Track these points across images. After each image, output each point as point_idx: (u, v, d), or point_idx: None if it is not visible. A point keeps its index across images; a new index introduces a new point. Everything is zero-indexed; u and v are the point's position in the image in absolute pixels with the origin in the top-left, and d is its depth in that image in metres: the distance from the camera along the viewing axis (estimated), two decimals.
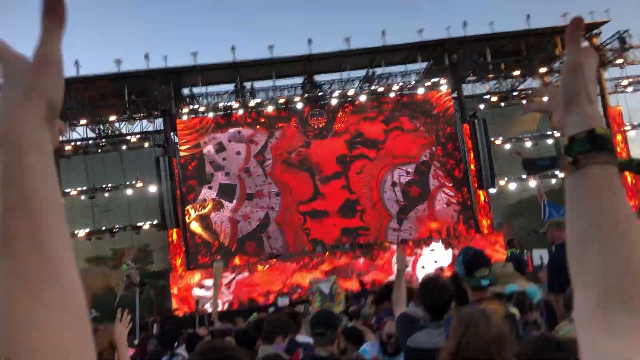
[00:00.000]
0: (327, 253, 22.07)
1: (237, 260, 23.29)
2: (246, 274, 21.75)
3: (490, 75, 24.64)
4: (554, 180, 25.72)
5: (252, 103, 24.08)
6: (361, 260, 21.69)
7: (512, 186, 25.02)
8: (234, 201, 23.87)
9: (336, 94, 24.31)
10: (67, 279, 0.60)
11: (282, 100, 24.10)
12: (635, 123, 26.40)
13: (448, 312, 3.36)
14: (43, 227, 0.62)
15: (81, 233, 24.12)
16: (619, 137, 25.15)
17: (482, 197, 24.24)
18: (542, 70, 24.48)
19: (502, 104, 25.61)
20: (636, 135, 26.61)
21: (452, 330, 2.25)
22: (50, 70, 0.67)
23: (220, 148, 24.20)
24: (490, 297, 3.23)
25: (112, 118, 24.19)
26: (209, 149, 24.12)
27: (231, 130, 24.43)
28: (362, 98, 24.42)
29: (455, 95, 25.37)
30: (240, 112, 24.25)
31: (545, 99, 1.01)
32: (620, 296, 0.70)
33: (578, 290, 0.76)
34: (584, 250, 0.79)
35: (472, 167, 24.28)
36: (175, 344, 5.39)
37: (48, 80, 0.67)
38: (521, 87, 26.16)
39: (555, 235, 5.51)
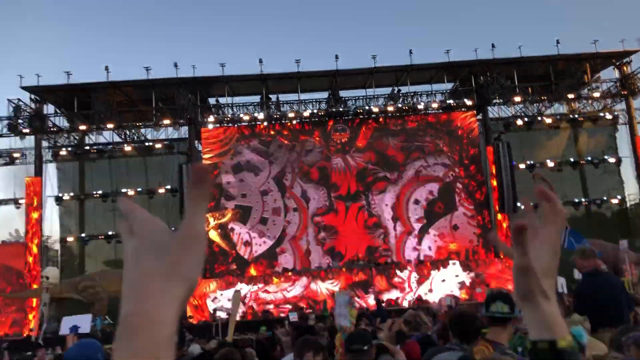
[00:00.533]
0: (344, 269, 21.98)
1: (252, 271, 23.32)
2: (261, 285, 21.75)
3: (517, 99, 24.45)
4: (577, 208, 25.37)
5: (276, 115, 24.25)
6: (378, 278, 21.56)
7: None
8: (248, 224, 23.98)
9: (360, 110, 24.36)
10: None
11: (306, 114, 24.22)
12: None
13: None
14: None
15: (101, 236, 24.40)
16: None
17: (502, 221, 23.95)
18: (570, 95, 24.23)
19: (528, 128, 25.36)
20: None
21: None
22: (194, 248, 0.68)
23: (237, 168, 24.35)
24: (491, 341, 3.20)
25: (139, 124, 24.52)
26: (228, 179, 24.27)
27: (253, 142, 24.61)
28: (386, 116, 24.43)
29: (480, 117, 25.24)
30: (265, 123, 24.46)
31: (504, 246, 0.98)
32: None
33: None
34: None
35: (495, 190, 24.05)
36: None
37: (191, 261, 0.67)
38: (548, 112, 25.90)
39: (580, 264, 5.43)
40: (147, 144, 25.17)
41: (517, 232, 0.89)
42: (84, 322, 9.63)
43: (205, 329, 15.72)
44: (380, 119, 24.90)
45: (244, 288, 21.21)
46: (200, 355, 6.18)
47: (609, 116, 25.92)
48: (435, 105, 24.50)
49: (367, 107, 24.44)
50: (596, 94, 25.23)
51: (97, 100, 22.78)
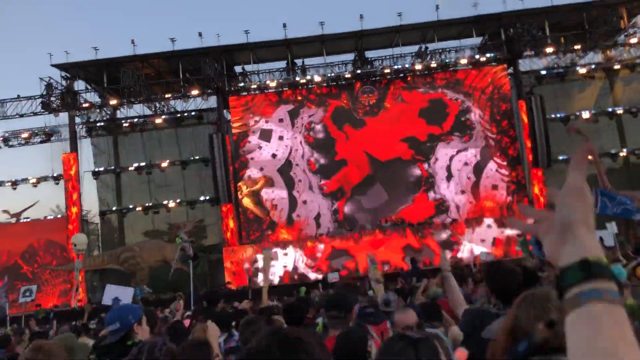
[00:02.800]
0: (377, 230, 22.08)
1: (286, 235, 23.65)
2: (296, 247, 22.09)
3: (549, 50, 23.69)
4: (614, 160, 24.77)
5: (303, 80, 24.12)
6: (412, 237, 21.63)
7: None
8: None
9: (388, 70, 24.00)
10: None
11: (332, 77, 24.01)
12: None
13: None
14: None
15: (138, 207, 24.98)
16: None
17: (537, 177, 23.58)
18: (606, 44, 23.36)
19: (562, 80, 24.66)
20: None
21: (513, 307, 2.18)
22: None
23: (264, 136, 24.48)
24: None
25: (168, 96, 24.73)
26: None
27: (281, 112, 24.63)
28: (414, 75, 24.04)
29: (511, 71, 24.62)
30: (291, 89, 24.41)
31: (530, 220, 0.93)
32: None
33: None
34: None
35: (528, 144, 23.61)
36: (233, 323, 5.52)
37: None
38: (582, 61, 25.07)
39: None
40: (177, 115, 25.42)
41: (585, 152, 0.98)
42: (126, 295, 9.88)
43: (244, 295, 16.07)
44: (409, 78, 24.51)
45: (289, 254, 21.62)
46: (229, 315, 6.26)
47: None
48: (464, 61, 23.97)
49: (394, 67, 24.06)
50: (633, 40, 24.26)
51: (125, 74, 22.99)
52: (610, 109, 25.04)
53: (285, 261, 21.80)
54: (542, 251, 2.85)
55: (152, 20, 68.99)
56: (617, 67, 25.14)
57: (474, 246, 21.36)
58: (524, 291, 2.22)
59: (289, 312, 4.88)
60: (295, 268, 21.78)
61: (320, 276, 19.90)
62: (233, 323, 5.54)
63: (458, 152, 24.07)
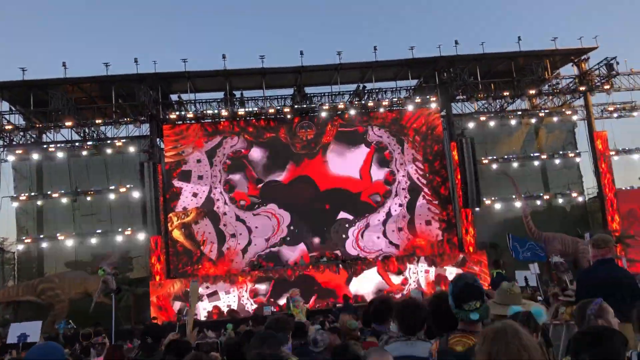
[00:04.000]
0: (311, 267, 21.91)
1: (213, 270, 23.05)
2: (227, 282, 21.52)
3: (480, 95, 24.75)
4: (538, 202, 25.92)
5: (241, 112, 23.96)
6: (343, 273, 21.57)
7: (498, 206, 25.12)
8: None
9: (326, 106, 24.26)
10: None
11: (271, 111, 23.98)
12: (620, 148, 26.70)
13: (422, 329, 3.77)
14: None
15: (61, 236, 23.73)
16: (602, 163, 25.40)
17: (466, 216, 24.25)
18: (531, 92, 24.67)
19: (491, 124, 25.75)
20: (620, 160, 26.91)
21: (480, 344, 2.24)
22: None
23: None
24: (469, 330, 3.12)
25: (98, 121, 23.87)
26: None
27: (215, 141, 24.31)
28: (352, 112, 24.41)
29: (444, 113, 25.50)
30: (229, 121, 24.18)
31: None
32: None
33: None
34: None
35: (459, 185, 24.32)
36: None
37: None
38: (510, 108, 26.34)
39: (593, 253, 5.43)
40: (107, 141, 24.55)
41: None
42: (33, 330, 9.15)
43: (170, 330, 15.36)
44: (346, 115, 24.85)
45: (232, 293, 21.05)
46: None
47: (568, 112, 26.57)
48: (399, 102, 24.63)
49: (332, 104, 24.35)
50: (556, 90, 25.79)
51: (54, 97, 22.04)
52: (535, 154, 26.33)
53: (229, 299, 21.20)
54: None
55: (86, 44, 67.21)
56: (541, 114, 26.58)
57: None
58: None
59: (230, 350, 4.81)
60: (241, 306, 21.17)
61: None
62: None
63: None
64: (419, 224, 24.39)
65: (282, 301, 20.09)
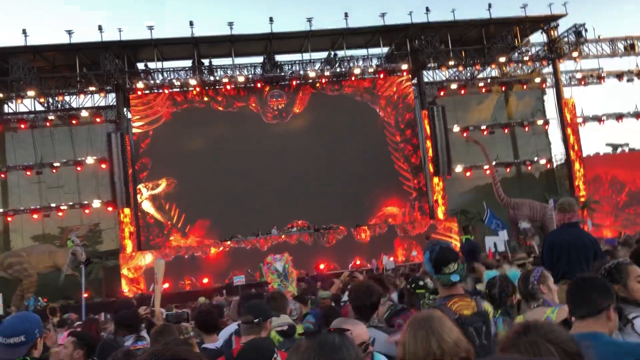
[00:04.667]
0: (283, 236, 21.89)
1: (190, 241, 22.90)
2: (199, 254, 21.42)
3: (451, 63, 24.73)
4: (508, 169, 26.29)
5: (209, 80, 23.51)
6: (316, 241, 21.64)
7: (468, 173, 25.38)
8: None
9: (297, 75, 23.96)
10: None
11: (241, 79, 23.58)
12: (587, 115, 27.08)
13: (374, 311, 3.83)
14: None
15: (27, 210, 23.21)
16: (570, 131, 25.79)
17: (438, 184, 24.47)
18: (501, 59, 24.74)
19: (462, 92, 25.82)
20: (587, 127, 27.35)
21: (402, 334, 2.27)
22: None
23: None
24: (461, 294, 3.19)
25: (62, 91, 23.15)
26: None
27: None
28: (323, 80, 24.18)
29: (415, 81, 25.44)
30: (197, 89, 23.71)
31: None
32: None
33: None
34: None
35: (430, 153, 24.45)
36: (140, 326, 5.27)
37: None
38: (480, 75, 26.41)
39: (558, 217, 5.59)
40: (72, 112, 23.87)
41: None
42: None
43: (142, 301, 15.28)
44: (317, 84, 24.62)
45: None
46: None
47: (537, 79, 26.79)
48: (371, 70, 24.46)
49: (303, 72, 24.05)
50: (525, 58, 25.92)
51: (15, 66, 21.24)
52: (503, 122, 26.57)
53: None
54: (434, 265, 2.87)
55: (48, 10, 64.80)
56: (511, 82, 26.75)
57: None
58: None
59: (201, 318, 4.92)
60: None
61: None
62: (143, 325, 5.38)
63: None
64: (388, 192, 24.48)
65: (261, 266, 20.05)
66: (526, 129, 26.67)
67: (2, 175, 23.63)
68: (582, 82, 27.36)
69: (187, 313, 6.43)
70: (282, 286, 10.29)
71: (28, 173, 23.32)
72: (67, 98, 23.91)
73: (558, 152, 27.10)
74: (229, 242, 21.75)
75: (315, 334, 2.07)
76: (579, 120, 26.47)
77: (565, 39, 25.02)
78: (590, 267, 4.32)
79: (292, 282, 10.68)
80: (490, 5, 23.84)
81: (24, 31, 21.67)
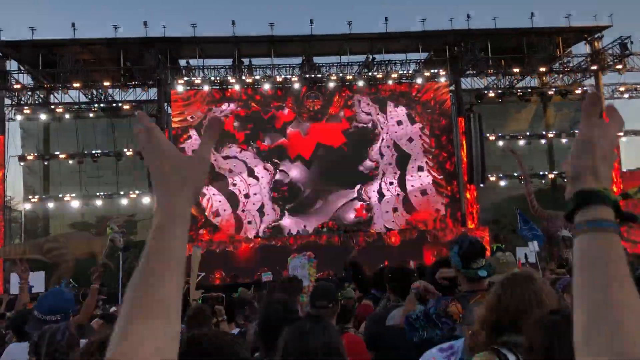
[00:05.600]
0: (312, 236, 22.06)
1: (220, 236, 23.27)
2: (230, 248, 21.75)
3: (490, 71, 24.53)
4: (543, 181, 25.90)
5: (248, 79, 23.88)
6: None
7: (502, 183, 25.11)
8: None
9: (334, 77, 24.13)
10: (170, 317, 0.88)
11: (279, 79, 23.88)
12: (628, 129, 26.49)
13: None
14: (166, 278, 0.91)
15: (67, 197, 23.94)
16: None
17: (470, 192, 24.29)
18: (542, 69, 24.42)
19: (499, 100, 25.57)
20: (627, 142, 26.77)
21: (493, 289, 2.22)
22: (201, 166, 1.00)
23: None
24: (485, 289, 3.15)
25: (106, 84, 23.82)
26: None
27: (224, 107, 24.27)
28: (360, 83, 24.29)
29: (452, 88, 25.32)
30: (237, 87, 24.08)
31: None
32: None
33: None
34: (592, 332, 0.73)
35: (464, 161, 24.30)
36: None
37: (198, 174, 0.99)
38: (519, 84, 26.11)
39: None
40: (114, 104, 24.54)
41: (591, 102, 0.94)
42: (37, 281, 9.37)
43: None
44: (354, 87, 24.74)
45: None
46: None
47: (578, 91, 26.30)
48: (408, 75, 24.46)
49: (340, 75, 24.21)
50: (567, 69, 25.52)
51: (63, 58, 21.99)
52: (542, 132, 26.19)
53: None
54: (462, 259, 2.86)
55: (95, 5, 66.60)
56: (550, 92, 26.33)
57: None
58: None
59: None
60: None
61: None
62: None
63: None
64: (422, 194, 24.42)
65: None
66: (564, 140, 26.23)
67: (45, 163, 24.41)
68: (625, 96, 26.77)
69: (222, 297, 6.65)
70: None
71: (70, 162, 24.06)
72: (110, 91, 24.61)
73: None
74: (259, 239, 22.04)
75: (294, 320, 2.16)
76: (620, 134, 25.86)
77: (610, 51, 24.54)
78: None
79: (309, 279, 10.53)
80: (533, 14, 23.61)
81: (73, 25, 22.42)
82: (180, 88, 23.93)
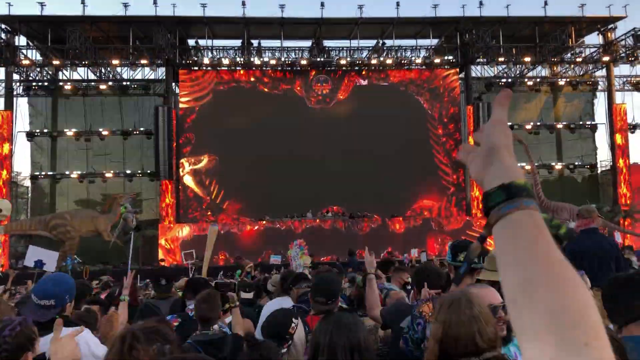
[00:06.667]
0: (317, 220, 22.11)
1: (226, 218, 23.33)
2: (234, 230, 21.85)
3: (501, 59, 24.31)
4: (551, 171, 25.78)
5: (257, 61, 23.76)
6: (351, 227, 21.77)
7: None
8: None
9: (344, 61, 23.98)
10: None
11: (288, 62, 23.75)
12: (638, 122, 26.25)
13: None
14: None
15: (73, 174, 24.01)
16: (619, 137, 25.07)
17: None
18: (553, 59, 24.18)
19: (509, 89, 25.35)
20: (637, 135, 26.53)
21: (436, 312, 2.29)
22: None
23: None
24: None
25: (115, 62, 23.76)
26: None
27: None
28: (369, 69, 24.15)
29: (462, 75, 25.13)
30: (245, 69, 23.99)
31: (462, 153, 1.03)
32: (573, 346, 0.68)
33: (528, 339, 0.70)
34: (529, 298, 0.74)
35: None
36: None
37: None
38: (530, 74, 25.88)
39: (578, 223, 5.60)
40: (122, 83, 24.51)
41: (505, 97, 1.02)
42: (50, 260, 9.36)
43: (179, 272, 15.74)
44: (363, 72, 24.59)
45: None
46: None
47: (589, 82, 26.08)
48: (418, 61, 24.29)
49: (350, 59, 24.06)
50: (578, 59, 25.27)
51: (72, 35, 21.90)
52: (550, 123, 26.02)
53: None
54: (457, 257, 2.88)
55: None
56: (561, 83, 26.11)
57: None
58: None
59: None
60: None
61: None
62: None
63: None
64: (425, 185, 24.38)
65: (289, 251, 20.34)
66: (573, 131, 26.08)
67: (52, 140, 24.45)
68: (637, 88, 26.51)
69: (235, 283, 6.65)
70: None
71: (77, 139, 24.10)
72: (118, 69, 24.55)
73: (604, 158, 26.44)
74: (264, 222, 22.11)
75: (329, 313, 2.18)
76: (630, 127, 25.71)
77: (622, 42, 24.27)
78: (612, 273, 4.35)
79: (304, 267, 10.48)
80: (546, 3, 23.32)
81: (83, 1, 22.31)
82: (188, 68, 23.87)
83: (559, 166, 25.99)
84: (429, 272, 3.76)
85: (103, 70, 24.27)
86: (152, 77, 24.59)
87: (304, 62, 23.82)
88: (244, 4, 22.74)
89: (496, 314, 2.36)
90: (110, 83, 24.42)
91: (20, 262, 18.19)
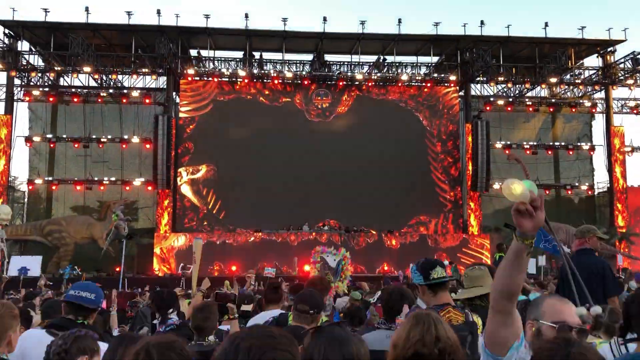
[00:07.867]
0: (313, 233, 22.06)
1: (222, 228, 23.28)
2: (230, 241, 21.79)
3: (500, 79, 24.47)
4: (547, 191, 25.81)
5: (258, 73, 23.87)
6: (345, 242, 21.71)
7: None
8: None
9: (344, 76, 24.09)
10: None
11: (289, 75, 23.86)
12: (636, 145, 26.36)
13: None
14: None
15: (70, 181, 23.98)
16: (616, 159, 25.16)
17: (474, 199, 24.24)
18: (552, 80, 24.33)
19: (508, 109, 25.50)
20: (634, 158, 26.69)
21: (402, 324, 2.25)
22: None
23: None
24: (454, 305, 3.32)
25: (117, 70, 23.82)
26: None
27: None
28: (369, 83, 24.25)
29: (462, 93, 25.25)
30: (246, 81, 24.08)
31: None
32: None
33: None
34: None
35: (469, 167, 24.23)
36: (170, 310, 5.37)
37: None
38: (529, 94, 26.03)
39: (573, 244, 5.60)
40: (123, 91, 24.55)
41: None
42: (33, 265, 9.35)
43: (172, 282, 15.66)
44: (364, 87, 24.70)
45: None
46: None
47: (587, 103, 26.22)
48: (419, 77, 24.42)
49: (350, 74, 24.18)
50: (577, 81, 25.43)
51: (74, 42, 21.95)
52: (548, 143, 26.12)
53: None
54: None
55: None
56: (560, 104, 26.26)
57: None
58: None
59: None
60: None
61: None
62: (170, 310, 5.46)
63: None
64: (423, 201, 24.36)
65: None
66: (570, 152, 26.16)
67: (51, 145, 24.44)
68: (635, 111, 26.65)
69: (235, 295, 6.62)
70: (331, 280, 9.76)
71: (75, 145, 24.08)
72: (119, 77, 24.61)
73: (601, 180, 26.51)
74: (260, 234, 22.06)
75: (321, 328, 2.14)
76: (627, 149, 25.82)
77: (622, 65, 24.45)
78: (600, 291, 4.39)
79: (344, 280, 10.26)
80: (547, 24, 23.50)
81: (87, 9, 22.40)
82: (189, 78, 23.95)
83: (556, 186, 26.03)
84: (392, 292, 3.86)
85: (104, 78, 24.32)
86: (153, 85, 24.66)
87: (304, 75, 23.92)
88: (247, 15, 22.89)
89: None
90: (111, 91, 24.46)
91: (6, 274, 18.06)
